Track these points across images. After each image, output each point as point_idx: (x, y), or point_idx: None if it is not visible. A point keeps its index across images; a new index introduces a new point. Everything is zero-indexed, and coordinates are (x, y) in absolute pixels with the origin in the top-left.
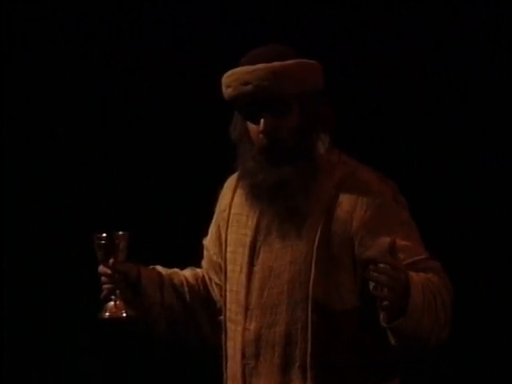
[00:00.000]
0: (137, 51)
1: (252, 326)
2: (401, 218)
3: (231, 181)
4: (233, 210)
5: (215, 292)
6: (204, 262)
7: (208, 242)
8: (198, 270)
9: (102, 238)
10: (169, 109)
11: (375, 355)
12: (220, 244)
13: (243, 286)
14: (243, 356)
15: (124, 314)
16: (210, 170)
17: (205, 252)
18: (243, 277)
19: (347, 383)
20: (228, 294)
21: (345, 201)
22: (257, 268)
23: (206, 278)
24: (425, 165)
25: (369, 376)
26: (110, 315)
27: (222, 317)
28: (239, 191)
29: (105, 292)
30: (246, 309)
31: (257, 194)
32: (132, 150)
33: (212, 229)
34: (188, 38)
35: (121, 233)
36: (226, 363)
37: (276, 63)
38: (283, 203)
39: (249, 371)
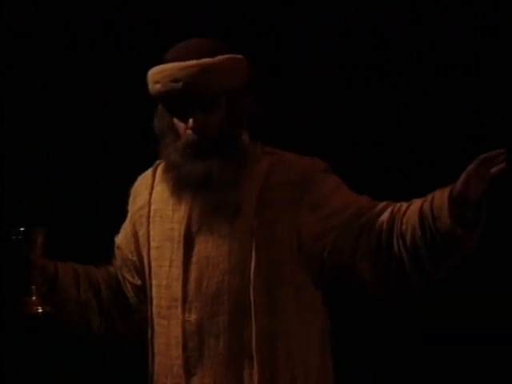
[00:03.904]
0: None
1: (192, 318)
2: (337, 182)
3: (144, 179)
4: (153, 207)
5: (128, 289)
6: (115, 260)
7: (121, 240)
8: (111, 268)
9: (20, 233)
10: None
11: (321, 337)
12: (136, 242)
13: (176, 278)
14: (184, 348)
15: (40, 310)
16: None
17: (116, 250)
18: (175, 270)
19: (294, 368)
20: (155, 289)
21: (277, 186)
22: (193, 259)
23: (119, 275)
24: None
25: (315, 359)
26: (25, 311)
27: (133, 312)
28: (159, 187)
29: (21, 287)
30: (184, 301)
31: (183, 186)
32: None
33: (126, 227)
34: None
35: (38, 228)
36: (153, 358)
37: (207, 60)
38: (213, 194)
39: (192, 363)
